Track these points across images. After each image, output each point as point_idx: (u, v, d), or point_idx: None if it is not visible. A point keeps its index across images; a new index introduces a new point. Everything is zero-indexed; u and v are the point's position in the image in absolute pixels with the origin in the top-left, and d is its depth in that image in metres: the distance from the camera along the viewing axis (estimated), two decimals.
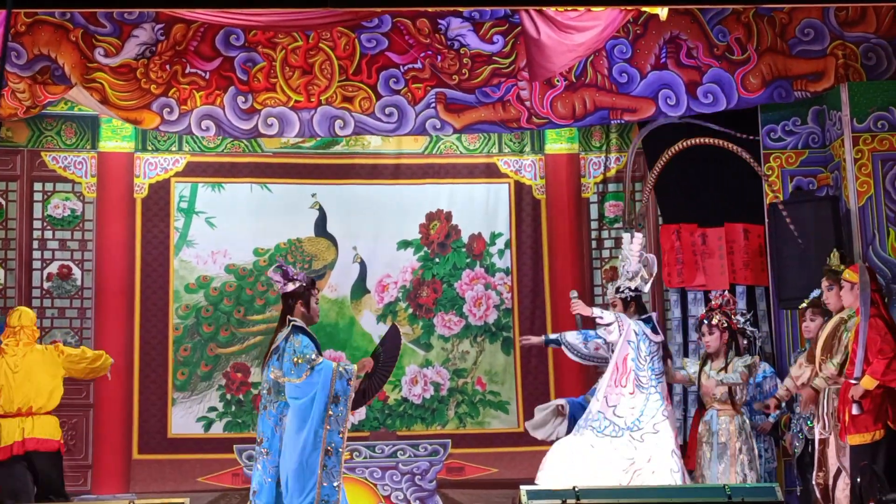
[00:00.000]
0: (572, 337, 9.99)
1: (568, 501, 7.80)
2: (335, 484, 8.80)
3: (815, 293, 9.96)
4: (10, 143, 12.37)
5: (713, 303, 10.13)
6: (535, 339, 10.42)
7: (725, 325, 9.88)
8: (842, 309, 9.30)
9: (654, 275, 9.94)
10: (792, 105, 11.12)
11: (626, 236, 9.94)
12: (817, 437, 9.27)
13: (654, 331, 9.72)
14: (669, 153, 11.07)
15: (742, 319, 10.61)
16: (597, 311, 9.88)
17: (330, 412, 8.83)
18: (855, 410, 8.75)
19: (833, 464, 9.14)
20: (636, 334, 9.63)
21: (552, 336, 10.32)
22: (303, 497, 8.75)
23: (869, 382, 8.71)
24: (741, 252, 11.47)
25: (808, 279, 10.23)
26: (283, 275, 9.21)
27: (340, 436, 8.86)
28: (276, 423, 9.00)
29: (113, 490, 11.89)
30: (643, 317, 9.82)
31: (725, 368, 9.78)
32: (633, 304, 9.87)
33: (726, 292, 10.41)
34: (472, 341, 12.85)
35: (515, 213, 13.00)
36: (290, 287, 9.20)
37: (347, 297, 12.86)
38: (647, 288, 9.92)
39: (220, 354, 12.56)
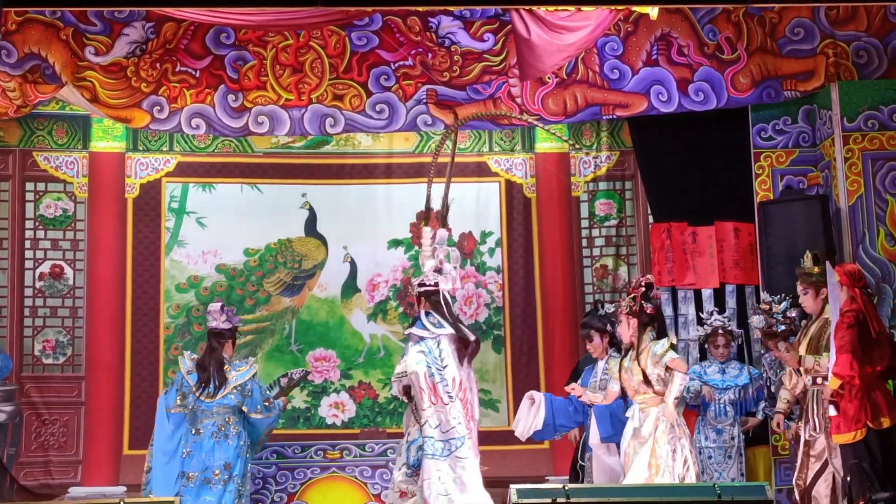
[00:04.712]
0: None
1: (558, 500, 7.78)
2: None
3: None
4: (2, 142, 12.39)
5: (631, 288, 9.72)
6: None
7: (629, 310, 9.38)
8: (821, 311, 9.29)
9: (459, 264, 9.66)
10: (782, 104, 11.10)
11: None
12: (803, 437, 9.26)
13: (439, 325, 9.35)
14: None
15: (725, 320, 10.62)
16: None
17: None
18: (831, 412, 8.74)
19: (814, 465, 9.15)
20: None
21: None
22: None
23: (833, 383, 8.69)
24: (731, 250, 11.41)
25: (796, 278, 10.21)
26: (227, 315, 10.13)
27: None
28: (239, 449, 9.77)
29: (103, 484, 11.87)
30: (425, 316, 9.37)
31: (638, 357, 9.27)
32: (423, 301, 9.44)
33: (649, 276, 10.14)
34: None
35: (506, 211, 13.01)
36: (227, 325, 10.11)
37: (338, 297, 12.90)
38: (448, 283, 9.43)
39: None
